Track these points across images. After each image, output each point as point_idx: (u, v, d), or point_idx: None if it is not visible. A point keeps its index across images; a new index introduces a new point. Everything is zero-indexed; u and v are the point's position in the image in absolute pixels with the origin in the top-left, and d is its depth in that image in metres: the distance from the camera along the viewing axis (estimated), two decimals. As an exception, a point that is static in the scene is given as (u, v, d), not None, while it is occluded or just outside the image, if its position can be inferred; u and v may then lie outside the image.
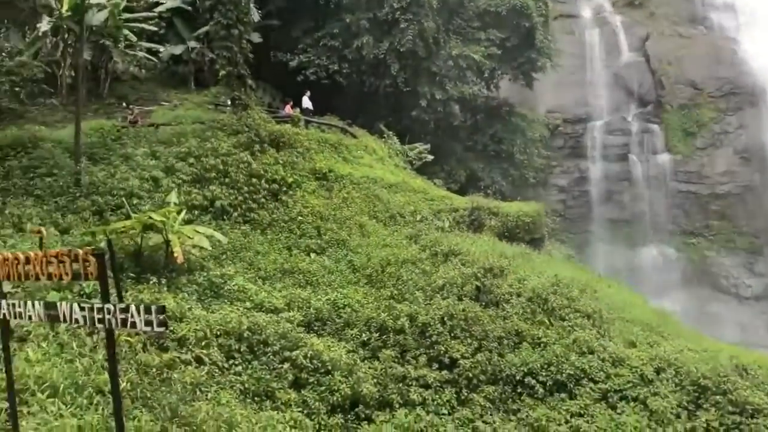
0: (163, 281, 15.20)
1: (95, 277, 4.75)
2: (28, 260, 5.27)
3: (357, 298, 16.80)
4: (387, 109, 36.27)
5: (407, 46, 32.36)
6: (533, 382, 14.58)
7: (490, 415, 14.02)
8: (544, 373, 14.69)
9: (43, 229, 5.21)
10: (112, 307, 4.66)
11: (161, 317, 4.38)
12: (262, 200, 20.62)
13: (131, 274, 14.71)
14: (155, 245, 16.29)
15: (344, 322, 15.91)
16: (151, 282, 14.72)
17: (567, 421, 13.57)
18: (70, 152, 20.14)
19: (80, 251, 4.81)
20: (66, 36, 27.76)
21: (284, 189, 21.20)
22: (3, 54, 25.85)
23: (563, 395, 14.39)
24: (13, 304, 5.52)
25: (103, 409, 8.26)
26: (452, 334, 15.77)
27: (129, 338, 11.34)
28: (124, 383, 9.46)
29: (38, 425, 7.28)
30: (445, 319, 16.05)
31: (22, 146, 20.50)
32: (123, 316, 4.58)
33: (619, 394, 14.22)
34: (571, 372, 14.63)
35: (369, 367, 14.51)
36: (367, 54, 33.07)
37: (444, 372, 14.97)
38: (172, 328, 12.42)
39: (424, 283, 17.70)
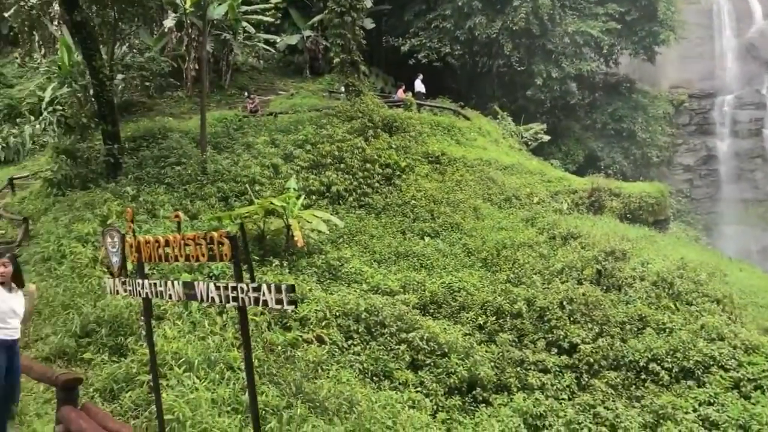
0: (285, 263, 15.77)
1: (229, 258, 4.99)
2: (167, 243, 5.61)
3: (472, 282, 16.71)
4: (500, 89, 35.73)
5: (521, 25, 31.70)
6: (658, 368, 13.96)
7: (612, 401, 13.57)
8: (669, 360, 14.04)
9: (181, 213, 5.55)
10: (244, 286, 4.89)
11: (291, 296, 4.55)
12: (376, 185, 20.89)
13: (255, 257, 15.33)
14: (276, 229, 16.91)
15: (459, 305, 15.87)
16: (274, 264, 15.30)
17: (695, 410, 12.90)
18: (196, 142, 21.25)
19: (215, 234, 5.07)
20: (190, 30, 29.21)
21: (397, 173, 21.36)
22: (134, 50, 27.51)
23: (690, 383, 13.69)
24: (155, 284, 5.90)
25: (234, 384, 8.72)
26: (572, 319, 15.38)
27: (255, 317, 11.89)
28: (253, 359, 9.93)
29: (177, 397, 7.78)
30: (564, 303, 15.65)
31: (153, 137, 21.84)
32: (255, 295, 4.80)
33: (753, 384, 13.35)
34: (699, 359, 13.89)
35: (486, 351, 14.39)
36: (479, 34, 32.69)
37: (563, 357, 14.62)
38: (295, 308, 12.91)
39: (541, 266, 17.35)
